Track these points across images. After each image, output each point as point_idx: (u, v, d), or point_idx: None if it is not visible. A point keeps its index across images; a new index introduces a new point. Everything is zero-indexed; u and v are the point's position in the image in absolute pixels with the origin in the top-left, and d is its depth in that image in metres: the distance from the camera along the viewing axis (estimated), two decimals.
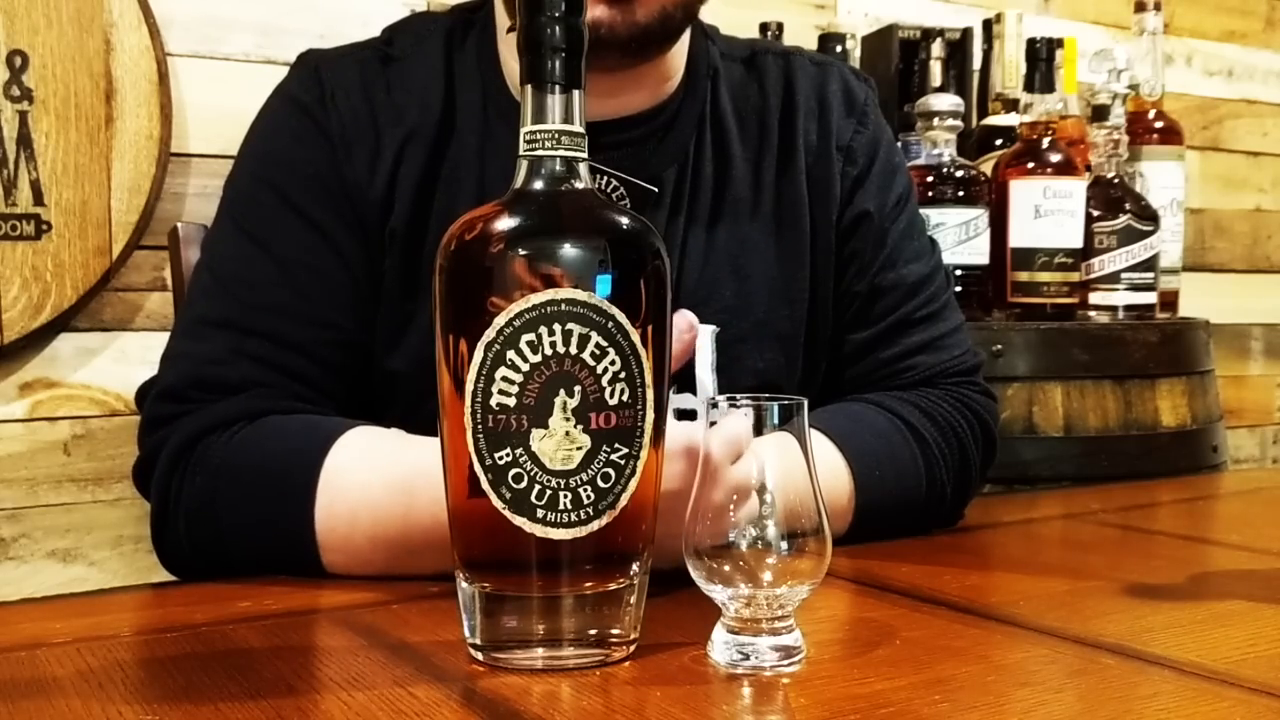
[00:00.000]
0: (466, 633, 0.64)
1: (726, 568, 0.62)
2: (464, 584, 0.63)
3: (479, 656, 0.63)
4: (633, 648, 0.64)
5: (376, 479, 0.81)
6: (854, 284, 1.04)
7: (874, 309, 1.04)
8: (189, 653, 0.66)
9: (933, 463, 0.96)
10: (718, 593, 0.63)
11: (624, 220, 0.63)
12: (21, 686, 0.60)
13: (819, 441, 0.90)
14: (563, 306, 0.59)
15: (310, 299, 0.93)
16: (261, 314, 0.91)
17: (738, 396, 0.65)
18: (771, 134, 1.03)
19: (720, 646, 0.63)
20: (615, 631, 0.63)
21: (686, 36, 1.01)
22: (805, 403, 0.63)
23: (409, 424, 0.92)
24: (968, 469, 1.00)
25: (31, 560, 1.62)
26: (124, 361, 1.65)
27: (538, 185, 0.63)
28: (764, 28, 1.89)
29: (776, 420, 0.62)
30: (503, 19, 0.98)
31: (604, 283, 0.60)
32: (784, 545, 0.62)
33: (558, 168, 0.62)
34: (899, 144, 1.74)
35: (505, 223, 0.61)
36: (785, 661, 0.62)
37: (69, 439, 1.63)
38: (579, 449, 0.59)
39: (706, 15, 1.09)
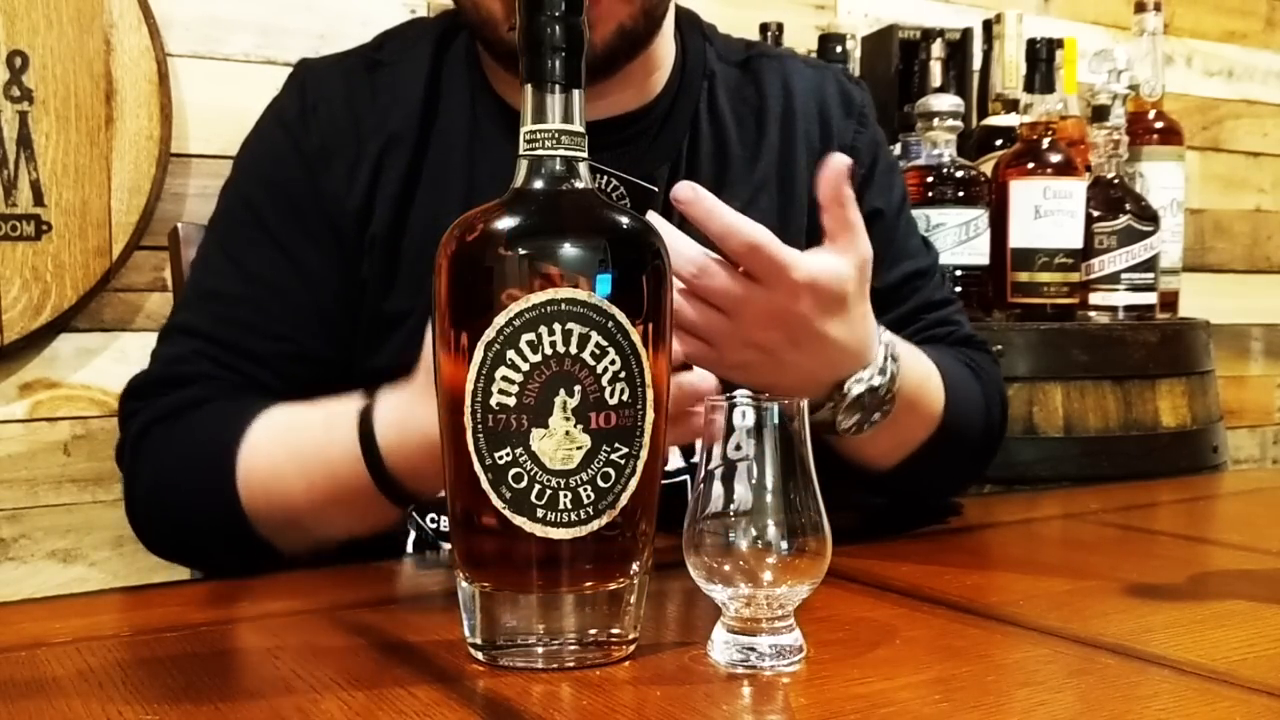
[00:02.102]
0: (466, 632, 0.64)
1: (726, 568, 0.62)
2: (464, 583, 0.63)
3: (479, 656, 0.63)
4: (632, 647, 0.64)
5: (282, 452, 0.86)
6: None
7: (894, 298, 1.05)
8: (189, 653, 0.66)
9: (989, 396, 1.02)
10: (718, 593, 0.63)
11: (625, 220, 0.63)
12: (21, 686, 0.60)
13: (916, 354, 0.93)
14: (563, 306, 0.59)
15: (270, 314, 0.97)
16: (226, 325, 0.96)
17: (737, 396, 0.65)
18: (771, 135, 1.04)
19: (720, 646, 0.63)
20: (615, 631, 0.63)
21: (669, 29, 1.02)
22: (805, 402, 0.63)
23: None
24: (997, 421, 1.06)
25: (31, 560, 1.62)
26: (124, 362, 1.65)
27: (538, 185, 0.63)
28: (764, 28, 1.89)
29: (777, 420, 0.62)
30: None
31: (604, 282, 0.60)
32: (784, 545, 0.62)
33: (558, 167, 0.62)
34: (899, 144, 1.75)
35: (505, 222, 0.61)
36: (785, 661, 0.62)
37: (69, 439, 1.63)
38: (579, 449, 0.59)
39: (707, 16, 1.09)
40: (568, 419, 0.59)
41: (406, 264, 0.97)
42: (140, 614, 0.79)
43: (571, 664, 0.61)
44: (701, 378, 0.76)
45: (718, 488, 0.62)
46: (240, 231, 0.99)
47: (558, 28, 0.62)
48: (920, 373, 0.93)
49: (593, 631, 0.62)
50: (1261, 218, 2.67)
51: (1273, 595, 0.79)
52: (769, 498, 0.62)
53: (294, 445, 0.87)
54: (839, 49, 1.82)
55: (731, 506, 0.62)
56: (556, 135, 0.62)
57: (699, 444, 0.96)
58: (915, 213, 1.52)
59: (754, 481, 0.62)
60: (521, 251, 0.60)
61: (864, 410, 0.85)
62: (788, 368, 0.80)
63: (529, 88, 0.62)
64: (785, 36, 1.88)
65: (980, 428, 1.02)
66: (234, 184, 1.02)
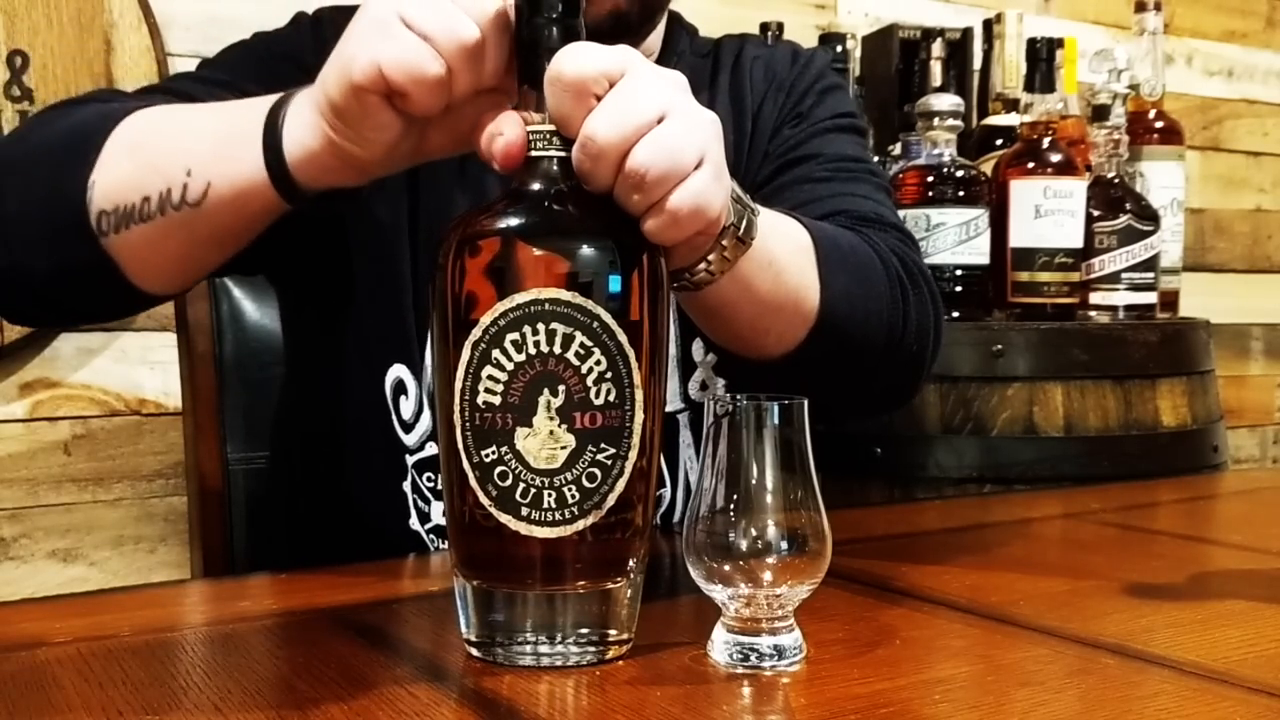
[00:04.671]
0: (463, 627, 0.64)
1: (726, 568, 0.62)
2: (459, 579, 0.63)
3: (475, 652, 0.63)
4: (627, 647, 0.64)
5: (172, 114, 0.79)
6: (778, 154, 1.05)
7: (793, 171, 1.02)
8: (189, 653, 0.66)
9: (884, 255, 0.89)
10: (718, 593, 0.63)
11: (619, 219, 0.63)
12: (21, 686, 0.60)
13: (773, 214, 0.79)
14: (546, 306, 0.59)
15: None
16: (179, 84, 0.94)
17: (740, 396, 0.64)
18: (722, 93, 1.07)
19: (720, 646, 0.63)
20: (610, 630, 0.63)
21: (661, 26, 1.05)
22: (805, 402, 0.63)
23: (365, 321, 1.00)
24: (922, 283, 0.92)
25: (31, 560, 1.62)
26: (124, 361, 1.65)
27: (534, 185, 0.63)
28: (764, 28, 1.89)
29: (777, 420, 0.62)
30: None
31: (600, 281, 0.60)
32: (784, 545, 0.62)
33: (554, 168, 0.62)
34: (900, 144, 1.75)
35: (500, 222, 0.61)
36: (785, 661, 0.62)
37: (69, 439, 1.63)
38: (563, 448, 0.59)
39: (707, 16, 1.11)
40: (551, 418, 0.59)
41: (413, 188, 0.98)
42: (140, 614, 0.79)
43: (562, 663, 0.62)
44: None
45: (718, 487, 0.62)
46: (232, 57, 0.99)
47: (554, 30, 0.62)
48: (789, 233, 0.80)
49: (585, 631, 0.62)
50: (1261, 218, 2.67)
51: (1273, 595, 0.79)
52: (769, 498, 0.62)
53: (190, 110, 0.79)
54: (839, 49, 1.82)
55: (731, 506, 0.62)
56: (549, 136, 0.62)
57: (693, 458, 0.96)
58: (915, 212, 1.53)
59: (754, 481, 0.62)
60: (517, 251, 0.60)
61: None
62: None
63: (526, 88, 0.63)
64: (785, 36, 1.88)
65: (881, 280, 0.87)
66: (229, 50, 1.01)
